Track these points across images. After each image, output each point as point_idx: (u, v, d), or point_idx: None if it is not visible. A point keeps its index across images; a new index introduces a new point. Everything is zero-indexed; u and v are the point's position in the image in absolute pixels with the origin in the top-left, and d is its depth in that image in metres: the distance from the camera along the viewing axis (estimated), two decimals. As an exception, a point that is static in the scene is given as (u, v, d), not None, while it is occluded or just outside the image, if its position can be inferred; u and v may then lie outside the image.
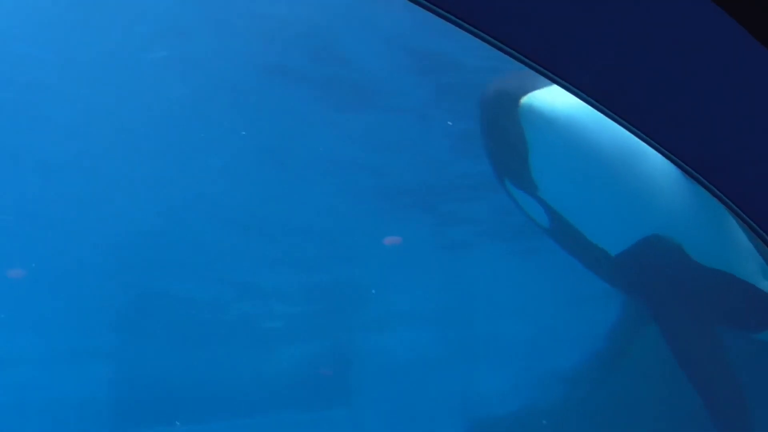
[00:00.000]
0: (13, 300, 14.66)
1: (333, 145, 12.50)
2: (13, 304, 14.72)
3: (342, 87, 11.42)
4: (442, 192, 13.60)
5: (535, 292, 15.41)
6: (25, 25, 10.41)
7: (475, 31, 1.77)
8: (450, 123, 11.78)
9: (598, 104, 1.76)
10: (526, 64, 1.86)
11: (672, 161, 1.80)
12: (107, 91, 11.36)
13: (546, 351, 15.49)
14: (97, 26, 10.54)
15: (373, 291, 15.88)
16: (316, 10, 10.11)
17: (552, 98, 7.20)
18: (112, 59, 10.96)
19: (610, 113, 1.84)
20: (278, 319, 16.20)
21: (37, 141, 12.17)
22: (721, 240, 7.85)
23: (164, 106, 11.55)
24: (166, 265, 14.65)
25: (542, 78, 1.80)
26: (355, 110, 11.85)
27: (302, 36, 10.51)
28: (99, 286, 14.67)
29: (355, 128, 12.17)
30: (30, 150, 12.35)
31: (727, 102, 1.78)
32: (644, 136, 1.84)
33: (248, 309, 15.94)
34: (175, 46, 10.81)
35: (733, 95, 1.76)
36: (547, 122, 7.32)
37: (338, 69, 11.00)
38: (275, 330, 16.26)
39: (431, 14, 1.68)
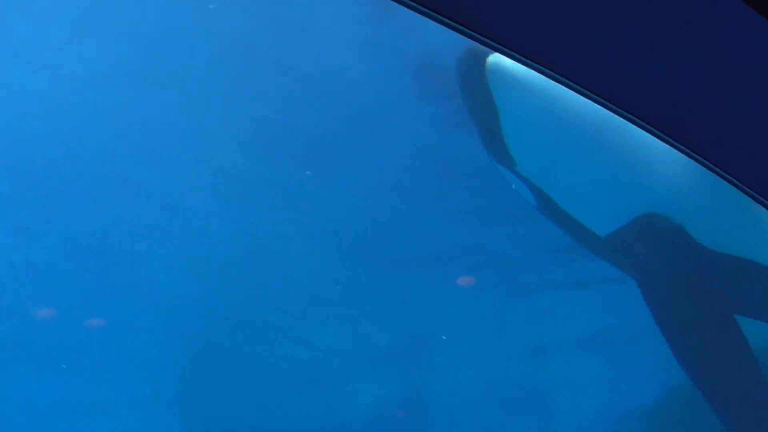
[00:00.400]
0: (90, 349, 14.96)
1: (401, 184, 12.47)
2: (91, 353, 15.02)
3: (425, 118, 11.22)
4: (512, 233, 13.44)
5: (612, 327, 15.05)
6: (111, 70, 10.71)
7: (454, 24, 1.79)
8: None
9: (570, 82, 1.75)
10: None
11: (647, 131, 1.77)
12: (175, 132, 11.59)
13: (624, 387, 15.07)
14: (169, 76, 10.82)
15: (444, 337, 15.69)
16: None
17: None
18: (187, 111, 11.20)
19: (589, 93, 1.83)
20: (350, 362, 16.17)
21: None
22: (733, 220, 6.88)
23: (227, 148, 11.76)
24: (237, 308, 14.79)
25: None
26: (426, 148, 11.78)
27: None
28: (172, 335, 14.88)
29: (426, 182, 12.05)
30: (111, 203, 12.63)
31: (716, 73, 1.75)
32: (625, 113, 1.82)
33: (319, 351, 15.96)
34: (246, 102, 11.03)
35: (722, 66, 1.73)
36: (516, 84, 6.47)
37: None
38: (347, 372, 16.22)
39: None
